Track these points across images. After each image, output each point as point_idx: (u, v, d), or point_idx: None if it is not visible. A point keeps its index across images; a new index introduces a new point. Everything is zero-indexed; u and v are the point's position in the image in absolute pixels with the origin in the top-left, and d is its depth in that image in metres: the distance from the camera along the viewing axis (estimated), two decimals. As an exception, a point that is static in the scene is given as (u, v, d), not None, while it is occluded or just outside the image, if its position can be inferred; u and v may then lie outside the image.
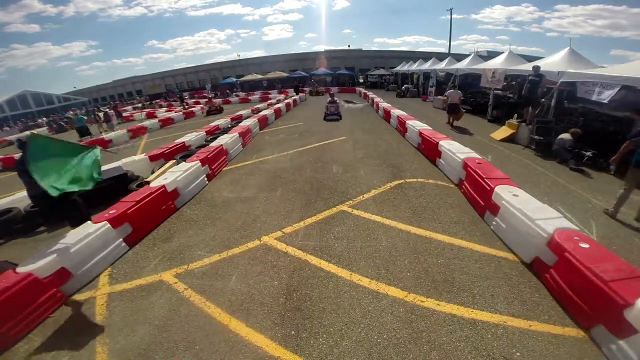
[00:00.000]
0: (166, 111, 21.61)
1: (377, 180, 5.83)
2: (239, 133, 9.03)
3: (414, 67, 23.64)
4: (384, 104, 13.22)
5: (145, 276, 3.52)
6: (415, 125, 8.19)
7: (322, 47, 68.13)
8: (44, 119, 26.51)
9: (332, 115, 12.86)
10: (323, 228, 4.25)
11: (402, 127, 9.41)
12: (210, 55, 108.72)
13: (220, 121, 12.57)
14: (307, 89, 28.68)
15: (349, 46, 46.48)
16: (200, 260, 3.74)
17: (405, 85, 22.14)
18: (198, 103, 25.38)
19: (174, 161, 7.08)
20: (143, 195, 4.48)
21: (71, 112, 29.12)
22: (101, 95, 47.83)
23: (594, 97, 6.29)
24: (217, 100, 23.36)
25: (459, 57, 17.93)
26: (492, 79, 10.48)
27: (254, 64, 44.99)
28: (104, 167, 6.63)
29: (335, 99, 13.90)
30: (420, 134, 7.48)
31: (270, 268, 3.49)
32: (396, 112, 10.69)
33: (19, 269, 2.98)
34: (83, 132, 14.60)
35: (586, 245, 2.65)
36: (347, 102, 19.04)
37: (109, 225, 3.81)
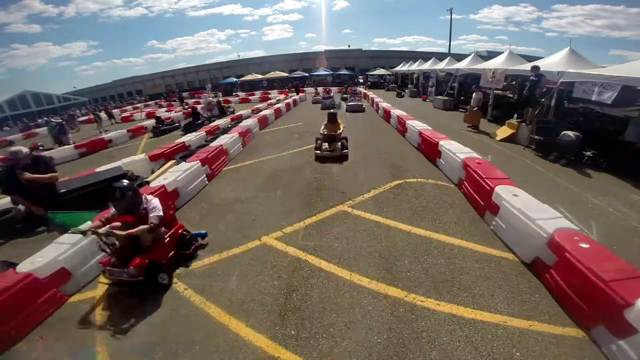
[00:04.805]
0: (166, 111, 21.63)
1: (377, 180, 5.83)
2: (239, 133, 9.03)
3: (414, 67, 23.65)
4: (384, 104, 13.22)
5: (145, 276, 3.51)
6: (415, 125, 8.19)
7: (322, 47, 68.10)
8: (44, 119, 26.11)
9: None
10: (323, 228, 4.25)
11: (402, 127, 9.40)
12: (210, 55, 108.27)
13: (220, 121, 12.58)
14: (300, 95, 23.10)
15: (349, 46, 46.62)
16: (200, 260, 3.73)
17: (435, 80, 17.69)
18: (198, 103, 25.40)
19: (174, 161, 7.08)
20: (143, 195, 4.47)
21: (45, 119, 24.05)
22: (101, 95, 47.82)
23: (594, 97, 6.29)
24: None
25: (459, 57, 17.91)
26: (492, 79, 10.47)
27: (254, 64, 45.04)
28: (103, 167, 6.66)
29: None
30: (420, 134, 7.48)
31: (270, 268, 3.49)
32: (396, 112, 10.69)
33: (19, 269, 2.98)
34: (56, 140, 12.54)
35: (586, 245, 2.65)
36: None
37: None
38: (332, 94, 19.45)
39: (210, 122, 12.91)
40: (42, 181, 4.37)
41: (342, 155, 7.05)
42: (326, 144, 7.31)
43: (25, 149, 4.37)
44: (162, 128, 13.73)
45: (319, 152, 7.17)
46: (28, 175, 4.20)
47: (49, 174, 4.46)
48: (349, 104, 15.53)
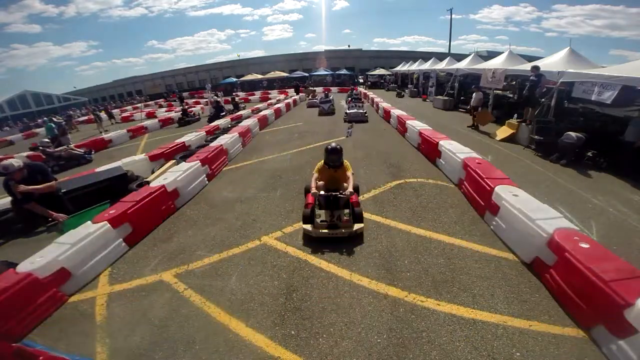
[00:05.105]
0: (166, 111, 21.64)
1: (377, 180, 5.83)
2: (239, 133, 9.03)
3: (414, 67, 23.66)
4: (384, 104, 13.22)
5: (145, 276, 3.52)
6: (415, 125, 8.19)
7: (322, 47, 68.22)
8: (44, 118, 25.98)
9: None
10: (323, 228, 4.24)
11: (402, 127, 9.41)
12: (211, 55, 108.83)
13: (220, 121, 12.58)
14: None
15: (349, 46, 46.72)
16: (200, 260, 3.74)
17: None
18: (198, 103, 25.41)
19: (174, 161, 7.08)
20: (143, 195, 4.48)
21: (43, 119, 22.77)
22: (101, 95, 47.88)
23: (594, 97, 6.29)
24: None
25: (459, 57, 17.93)
26: (492, 79, 10.48)
27: (254, 64, 45.13)
28: (103, 167, 6.67)
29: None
30: (420, 134, 7.48)
31: (270, 268, 3.49)
32: (396, 112, 10.69)
33: (19, 269, 2.98)
34: (53, 141, 12.18)
35: (586, 245, 2.64)
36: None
37: (109, 225, 3.80)
38: (330, 97, 16.20)
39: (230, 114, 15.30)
40: (40, 192, 4.29)
41: (352, 235, 3.82)
42: (323, 212, 3.86)
43: (17, 162, 4.20)
44: (186, 119, 16.05)
45: (309, 228, 3.82)
46: (23, 187, 4.13)
47: (46, 184, 4.35)
48: (349, 111, 12.36)
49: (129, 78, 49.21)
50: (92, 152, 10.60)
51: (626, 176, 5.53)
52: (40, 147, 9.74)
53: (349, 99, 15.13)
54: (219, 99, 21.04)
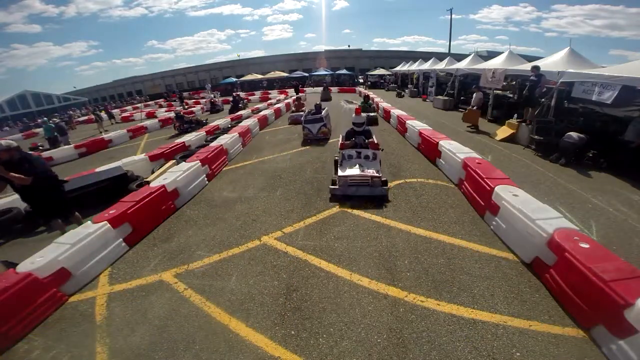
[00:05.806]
0: (166, 111, 21.65)
1: (377, 180, 5.82)
2: (239, 133, 9.03)
3: (414, 67, 23.64)
4: (384, 104, 13.22)
5: (145, 276, 3.52)
6: (415, 125, 8.19)
7: (322, 47, 68.29)
8: (44, 118, 25.97)
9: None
10: (323, 228, 4.25)
11: (402, 127, 9.40)
12: (210, 55, 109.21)
13: (220, 121, 12.58)
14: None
15: (349, 46, 46.73)
16: (200, 260, 3.74)
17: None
18: (198, 103, 25.40)
19: (173, 161, 7.09)
20: (143, 195, 4.48)
21: (43, 119, 21.26)
22: (101, 95, 47.86)
23: (594, 97, 6.28)
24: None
25: (459, 57, 17.90)
26: (492, 79, 10.47)
27: (254, 64, 45.12)
28: (104, 167, 6.67)
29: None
30: (420, 133, 7.48)
31: (270, 268, 3.49)
32: (396, 112, 10.69)
33: (19, 269, 2.98)
34: (53, 141, 12.85)
35: (586, 245, 2.64)
36: (348, 102, 19.00)
37: (109, 225, 3.81)
38: (323, 112, 9.45)
39: (244, 108, 17.86)
40: (14, 180, 4.02)
41: None
42: None
43: (6, 142, 3.89)
44: (215, 109, 20.54)
45: None
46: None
47: (17, 175, 3.82)
48: (344, 173, 4.95)
49: (129, 78, 49.20)
50: (207, 120, 14.22)
51: (626, 176, 5.53)
52: (175, 114, 13.87)
53: (349, 140, 5.74)
54: (216, 99, 23.29)
